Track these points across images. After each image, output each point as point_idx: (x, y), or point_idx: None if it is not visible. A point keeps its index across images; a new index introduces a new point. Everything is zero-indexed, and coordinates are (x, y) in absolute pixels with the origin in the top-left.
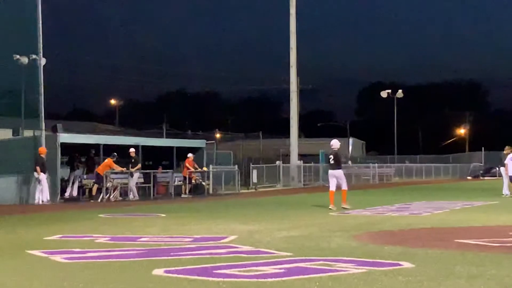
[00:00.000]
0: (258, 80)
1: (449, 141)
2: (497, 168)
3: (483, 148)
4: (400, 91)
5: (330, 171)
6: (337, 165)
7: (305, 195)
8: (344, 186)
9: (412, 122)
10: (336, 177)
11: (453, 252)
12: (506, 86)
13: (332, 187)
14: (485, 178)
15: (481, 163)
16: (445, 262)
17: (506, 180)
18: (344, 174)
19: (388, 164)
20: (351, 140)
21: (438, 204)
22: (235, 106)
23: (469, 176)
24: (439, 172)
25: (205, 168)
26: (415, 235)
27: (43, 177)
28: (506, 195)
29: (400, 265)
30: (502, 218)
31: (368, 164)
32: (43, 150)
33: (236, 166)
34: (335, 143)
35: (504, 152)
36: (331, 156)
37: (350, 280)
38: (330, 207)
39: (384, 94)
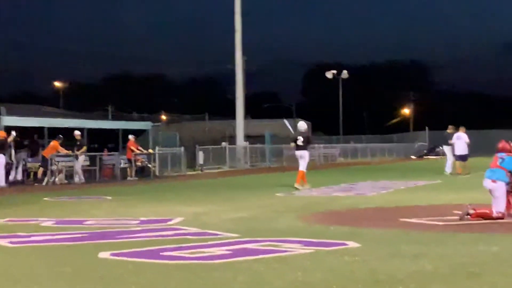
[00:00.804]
0: (203, 62)
1: (394, 121)
2: (440, 148)
3: (427, 127)
4: (345, 71)
5: (296, 152)
6: (304, 146)
7: (252, 176)
8: (302, 168)
9: (357, 102)
10: (300, 158)
11: (399, 231)
12: (448, 65)
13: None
14: (429, 157)
15: (425, 142)
16: (391, 241)
17: (450, 159)
18: (308, 156)
19: (333, 145)
20: (286, 121)
21: (383, 184)
22: (181, 88)
23: (413, 155)
24: (383, 152)
25: (150, 150)
26: (361, 215)
27: (2, 160)
28: (448, 173)
29: (346, 244)
30: (446, 197)
31: (313, 144)
32: (2, 133)
33: (182, 148)
34: (302, 125)
35: (448, 131)
36: (300, 137)
37: (297, 260)
38: (306, 187)
39: (329, 74)
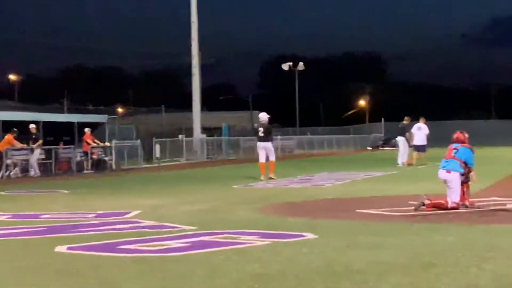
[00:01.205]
0: (160, 54)
1: (350, 112)
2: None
3: (382, 119)
4: (301, 63)
5: (260, 143)
6: (266, 137)
7: (209, 168)
8: (272, 158)
9: (313, 94)
10: (265, 149)
11: (355, 222)
12: (405, 57)
13: (262, 159)
14: (385, 148)
15: (381, 134)
16: (348, 232)
17: (402, 150)
18: (272, 146)
19: (290, 136)
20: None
21: (340, 175)
22: (137, 81)
23: (369, 147)
24: (340, 144)
25: (107, 143)
26: (318, 206)
27: None
28: (400, 164)
29: (303, 236)
30: (401, 188)
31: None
32: None
33: (139, 141)
34: (263, 116)
35: (404, 122)
36: (261, 129)
37: (254, 252)
38: (261, 178)
39: (285, 66)
